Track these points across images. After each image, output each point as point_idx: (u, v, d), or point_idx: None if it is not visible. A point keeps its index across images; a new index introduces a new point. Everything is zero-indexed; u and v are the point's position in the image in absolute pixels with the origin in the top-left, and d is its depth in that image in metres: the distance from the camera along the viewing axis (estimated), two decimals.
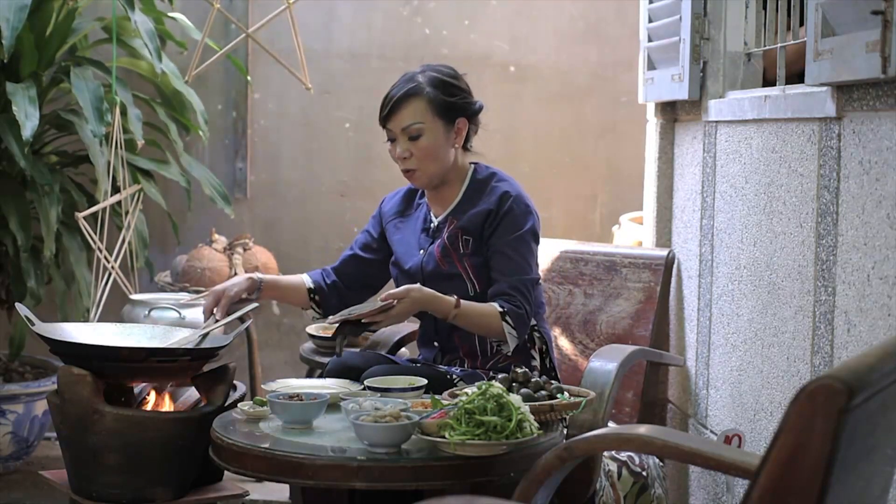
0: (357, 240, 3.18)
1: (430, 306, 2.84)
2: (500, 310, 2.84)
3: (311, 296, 3.11)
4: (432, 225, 3.03)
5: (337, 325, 2.84)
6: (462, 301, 2.84)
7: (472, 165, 3.07)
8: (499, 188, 2.98)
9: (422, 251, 3.01)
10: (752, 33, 3.19)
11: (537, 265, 2.98)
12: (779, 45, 2.81)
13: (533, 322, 2.96)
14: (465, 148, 3.05)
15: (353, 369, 2.86)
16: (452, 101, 2.96)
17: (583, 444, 2.19)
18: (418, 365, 2.96)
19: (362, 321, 2.80)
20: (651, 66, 3.73)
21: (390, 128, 2.96)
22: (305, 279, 3.13)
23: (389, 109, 2.94)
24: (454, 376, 2.87)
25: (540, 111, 4.76)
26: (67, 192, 4.02)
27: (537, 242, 2.98)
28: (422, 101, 2.93)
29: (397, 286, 3.03)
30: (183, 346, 2.91)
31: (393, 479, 2.28)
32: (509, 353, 2.92)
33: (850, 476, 1.43)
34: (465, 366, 2.97)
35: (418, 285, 2.85)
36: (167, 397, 3.02)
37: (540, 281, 3.02)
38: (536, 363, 2.99)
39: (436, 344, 3.01)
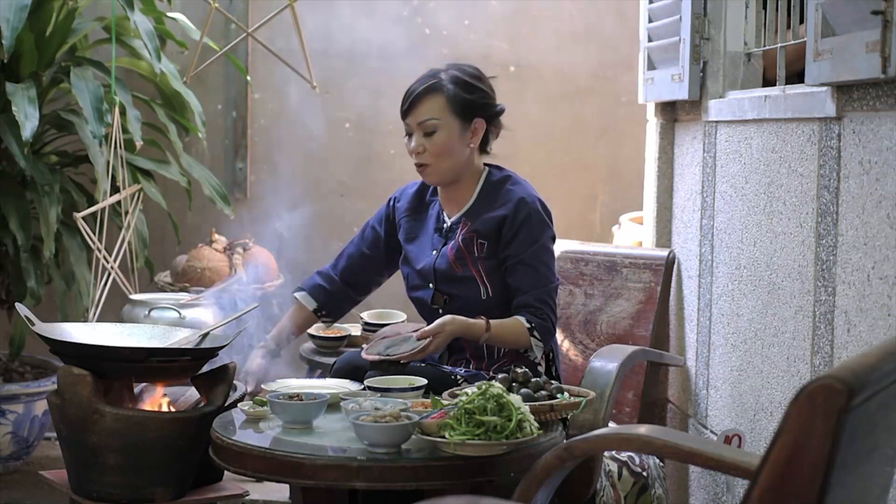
0: (363, 237, 3.18)
1: (463, 335, 2.86)
2: (528, 325, 2.87)
3: (319, 314, 3.16)
4: (445, 225, 3.03)
5: (375, 361, 2.83)
6: (491, 322, 2.85)
7: (487, 168, 3.06)
8: (514, 192, 2.97)
9: (434, 252, 3.01)
10: (752, 33, 3.19)
11: (555, 268, 3.00)
12: (779, 45, 2.81)
13: None
14: (484, 150, 3.04)
15: (360, 369, 2.86)
16: (471, 100, 2.95)
17: (583, 444, 2.19)
18: (423, 365, 2.96)
19: (401, 361, 2.81)
20: (651, 66, 3.73)
21: (408, 122, 2.96)
22: (306, 302, 3.15)
23: (409, 104, 2.95)
24: (459, 377, 2.87)
25: (540, 111, 4.75)
26: (67, 192, 4.02)
27: (554, 243, 3.01)
28: (440, 98, 2.93)
29: (408, 285, 3.05)
30: (183, 346, 2.91)
31: (393, 479, 2.28)
32: (536, 360, 2.94)
33: (850, 476, 1.42)
34: (471, 367, 2.97)
35: (450, 317, 2.85)
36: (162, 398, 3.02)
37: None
38: (542, 369, 2.99)
39: None
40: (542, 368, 2.99)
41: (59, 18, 4.02)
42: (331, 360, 3.30)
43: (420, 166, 2.97)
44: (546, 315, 2.89)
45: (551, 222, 3.00)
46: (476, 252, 2.94)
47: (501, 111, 3.04)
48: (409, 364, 2.81)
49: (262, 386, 2.82)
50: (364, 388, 2.68)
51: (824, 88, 2.37)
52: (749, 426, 2.87)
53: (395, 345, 2.83)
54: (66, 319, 3.90)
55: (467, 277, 2.94)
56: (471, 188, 3.02)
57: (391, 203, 3.16)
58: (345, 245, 3.25)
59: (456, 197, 3.03)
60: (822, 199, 2.44)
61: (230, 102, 4.67)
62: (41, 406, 4.03)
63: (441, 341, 2.82)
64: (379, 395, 2.60)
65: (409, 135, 2.97)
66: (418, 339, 2.80)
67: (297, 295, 3.18)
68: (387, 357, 2.80)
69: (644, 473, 3.06)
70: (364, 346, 2.93)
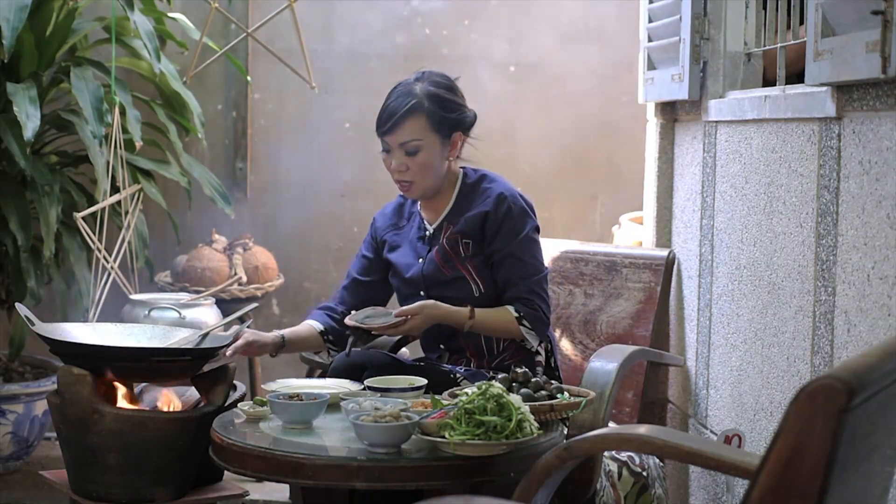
0: (354, 266, 3.15)
1: (444, 321, 2.87)
2: (516, 315, 2.88)
3: (325, 337, 3.06)
4: (427, 233, 3.02)
5: (351, 326, 2.87)
6: (476, 310, 2.86)
7: (462, 170, 3.06)
8: (492, 189, 2.97)
9: (420, 259, 3.01)
10: (752, 33, 3.19)
11: (543, 258, 3.00)
12: (779, 45, 2.81)
13: None
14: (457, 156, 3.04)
15: (360, 369, 2.86)
16: (451, 118, 2.95)
17: (583, 444, 2.19)
18: (423, 364, 2.96)
19: (373, 332, 2.85)
20: (651, 66, 3.73)
21: (387, 140, 2.95)
22: (314, 324, 3.07)
23: (391, 125, 2.92)
24: (458, 375, 2.87)
25: (540, 111, 4.76)
26: (67, 192, 4.02)
27: (538, 234, 3.00)
28: (421, 118, 2.92)
29: (399, 296, 3.04)
30: (183, 346, 2.91)
31: (393, 479, 2.28)
32: (533, 349, 2.95)
33: (850, 476, 1.42)
34: (472, 365, 2.97)
35: (433, 301, 2.86)
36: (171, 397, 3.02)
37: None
38: (542, 359, 3.00)
39: (441, 346, 3.01)
40: (541, 358, 2.99)
41: (60, 18, 4.02)
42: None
43: (402, 183, 2.96)
44: (537, 305, 2.90)
45: (533, 214, 2.99)
46: (462, 252, 2.95)
47: (475, 120, 3.03)
48: (382, 337, 2.88)
49: (262, 386, 2.83)
50: (364, 388, 2.68)
51: (824, 88, 2.37)
52: (749, 426, 2.87)
53: (374, 316, 2.87)
54: (66, 319, 3.90)
55: (457, 278, 2.95)
56: (449, 194, 3.02)
57: (373, 225, 3.15)
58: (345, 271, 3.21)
59: (435, 204, 3.03)
60: (822, 199, 2.44)
61: (230, 102, 4.67)
62: (41, 406, 4.03)
63: (418, 322, 2.83)
64: (379, 395, 2.60)
65: (387, 151, 2.96)
66: (396, 316, 2.82)
67: (307, 320, 3.10)
68: (361, 325, 2.83)
69: (644, 473, 3.06)
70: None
